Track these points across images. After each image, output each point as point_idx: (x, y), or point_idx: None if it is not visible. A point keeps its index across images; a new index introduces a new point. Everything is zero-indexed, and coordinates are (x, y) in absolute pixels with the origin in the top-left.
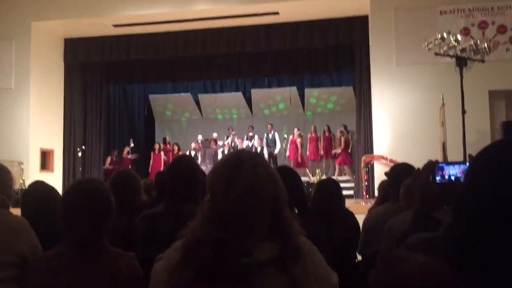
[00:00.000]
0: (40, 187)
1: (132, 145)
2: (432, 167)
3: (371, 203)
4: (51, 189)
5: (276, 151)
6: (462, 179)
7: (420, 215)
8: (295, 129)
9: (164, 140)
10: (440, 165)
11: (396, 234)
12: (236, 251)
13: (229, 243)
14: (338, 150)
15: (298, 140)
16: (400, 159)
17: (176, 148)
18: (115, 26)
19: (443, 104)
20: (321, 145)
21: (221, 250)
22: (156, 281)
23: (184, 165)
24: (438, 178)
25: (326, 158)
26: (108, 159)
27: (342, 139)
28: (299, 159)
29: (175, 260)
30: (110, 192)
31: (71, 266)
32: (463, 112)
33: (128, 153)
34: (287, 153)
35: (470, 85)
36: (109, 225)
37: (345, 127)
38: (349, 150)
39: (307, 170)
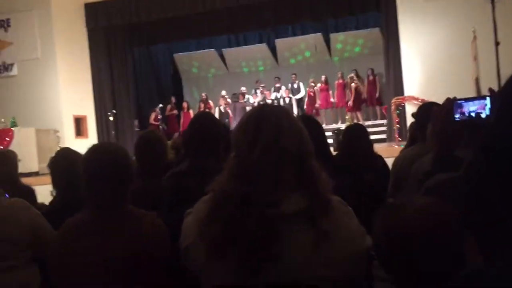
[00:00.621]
0: (65, 154)
1: (174, 101)
2: (450, 105)
3: (403, 145)
4: (77, 156)
5: (299, 96)
6: (483, 115)
7: (441, 155)
8: (322, 77)
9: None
10: (458, 102)
11: (420, 175)
12: (262, 203)
13: (255, 196)
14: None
15: (315, 89)
16: (432, 98)
17: (202, 106)
18: None
19: (475, 37)
20: (350, 91)
21: (248, 203)
22: (186, 234)
23: (203, 121)
24: (457, 116)
25: (366, 104)
26: (152, 115)
27: (353, 86)
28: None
29: (203, 213)
30: (128, 155)
31: (95, 230)
32: (497, 43)
33: (171, 109)
34: (318, 102)
35: (502, 14)
36: (129, 188)
37: (372, 71)
38: (364, 95)
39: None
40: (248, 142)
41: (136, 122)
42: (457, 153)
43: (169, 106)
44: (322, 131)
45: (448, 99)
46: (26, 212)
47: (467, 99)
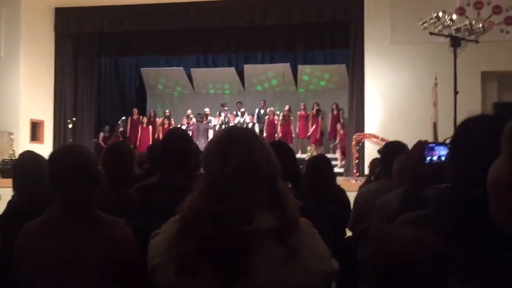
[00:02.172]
0: (30, 156)
1: (123, 118)
2: (422, 147)
3: (361, 181)
4: (41, 159)
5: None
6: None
7: (410, 194)
8: (286, 107)
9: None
10: (430, 145)
11: (387, 211)
12: (235, 220)
13: (228, 214)
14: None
15: (276, 118)
16: (391, 138)
17: (166, 122)
18: None
19: (436, 84)
20: (309, 124)
21: (220, 221)
22: (154, 254)
23: (177, 137)
24: (428, 158)
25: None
26: (101, 135)
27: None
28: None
29: (173, 232)
30: (95, 159)
31: (67, 230)
32: (455, 92)
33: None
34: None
35: (463, 66)
36: (97, 191)
37: (337, 105)
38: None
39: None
40: (220, 162)
41: (101, 134)
42: (424, 193)
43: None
44: (293, 155)
45: (420, 141)
46: None
47: (438, 144)
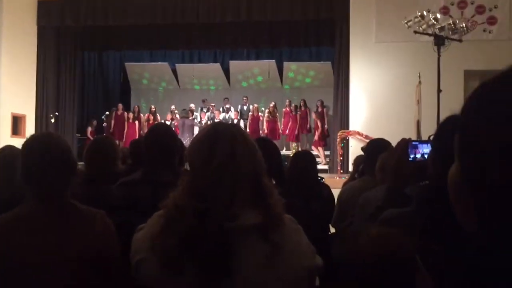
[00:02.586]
0: (10, 150)
1: (107, 113)
2: (405, 145)
3: (345, 178)
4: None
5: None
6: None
7: (393, 192)
8: (271, 104)
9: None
10: (413, 143)
11: (370, 208)
12: (219, 217)
13: (212, 210)
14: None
15: (260, 114)
16: (375, 135)
17: (152, 118)
18: None
19: (420, 82)
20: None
21: (204, 217)
22: (137, 249)
23: (160, 133)
24: (411, 156)
25: (302, 132)
26: (89, 129)
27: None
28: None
29: (157, 228)
30: (69, 147)
31: (43, 223)
32: (439, 91)
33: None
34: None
35: (446, 64)
36: (72, 181)
37: (322, 103)
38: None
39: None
40: (204, 158)
41: (89, 129)
42: (406, 190)
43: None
44: (278, 151)
45: (403, 139)
46: None
47: (422, 142)
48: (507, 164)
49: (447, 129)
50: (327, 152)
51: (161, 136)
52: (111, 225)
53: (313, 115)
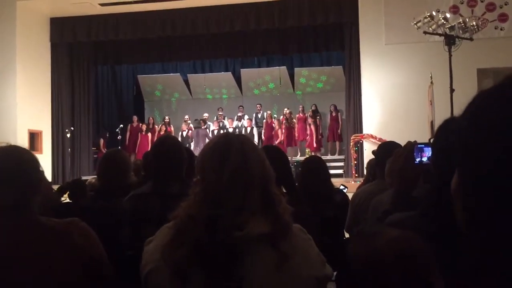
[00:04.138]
0: None
1: (121, 126)
2: (411, 148)
3: (360, 181)
4: None
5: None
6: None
7: (400, 195)
8: (286, 110)
9: (153, 119)
10: (419, 146)
11: (379, 212)
12: (228, 226)
13: (221, 219)
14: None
15: (274, 120)
16: (389, 138)
17: (163, 128)
18: (102, 5)
19: (432, 82)
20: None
21: (213, 226)
22: (148, 260)
23: (167, 145)
24: (417, 159)
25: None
26: (101, 141)
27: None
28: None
29: (168, 238)
30: (37, 161)
31: (15, 250)
32: (451, 90)
33: (131, 130)
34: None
35: (458, 63)
36: (39, 197)
37: (335, 107)
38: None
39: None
40: (215, 167)
41: (101, 141)
42: (414, 193)
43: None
44: (286, 159)
45: (409, 142)
46: None
47: (427, 144)
48: (498, 173)
49: (445, 132)
50: (342, 156)
51: (167, 148)
52: (89, 231)
53: (309, 120)
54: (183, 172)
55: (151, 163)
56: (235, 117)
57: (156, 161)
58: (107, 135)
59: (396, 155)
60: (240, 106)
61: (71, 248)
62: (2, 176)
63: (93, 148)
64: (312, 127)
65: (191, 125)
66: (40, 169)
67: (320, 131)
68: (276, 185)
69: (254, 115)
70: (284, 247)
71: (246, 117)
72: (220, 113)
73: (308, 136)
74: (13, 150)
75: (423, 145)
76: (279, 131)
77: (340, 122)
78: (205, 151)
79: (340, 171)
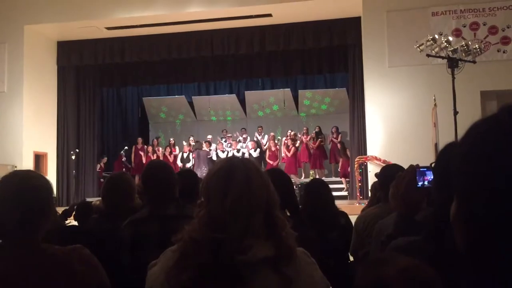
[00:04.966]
0: None
1: (126, 147)
2: (413, 172)
3: (364, 204)
4: None
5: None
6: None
7: (403, 219)
8: (290, 132)
9: (157, 141)
10: (421, 169)
11: (383, 235)
12: (232, 250)
13: (226, 243)
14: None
15: (277, 142)
16: (393, 160)
17: (168, 150)
18: (108, 28)
19: (435, 105)
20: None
21: (217, 250)
22: (153, 283)
23: (155, 170)
24: (420, 183)
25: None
26: (97, 166)
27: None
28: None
29: (172, 262)
30: (50, 187)
31: (14, 275)
32: (455, 113)
33: (136, 151)
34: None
35: (462, 86)
36: (47, 224)
37: (337, 129)
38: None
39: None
40: (220, 192)
41: (98, 166)
42: (418, 216)
43: (134, 147)
44: (290, 182)
45: (411, 166)
46: None
47: (429, 168)
48: (491, 203)
49: (447, 156)
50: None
51: (156, 173)
52: (91, 257)
53: (312, 142)
54: (176, 193)
55: (143, 189)
56: (238, 139)
57: (146, 186)
58: (105, 160)
59: (399, 179)
60: (243, 128)
61: (71, 276)
62: (15, 199)
63: (98, 170)
64: (315, 148)
65: (191, 146)
66: (53, 195)
67: (324, 153)
68: (280, 208)
69: (255, 137)
70: (288, 271)
71: (249, 138)
72: (229, 135)
73: (312, 158)
74: (31, 176)
75: (425, 169)
76: (282, 153)
77: (339, 146)
78: (210, 175)
79: (345, 193)
